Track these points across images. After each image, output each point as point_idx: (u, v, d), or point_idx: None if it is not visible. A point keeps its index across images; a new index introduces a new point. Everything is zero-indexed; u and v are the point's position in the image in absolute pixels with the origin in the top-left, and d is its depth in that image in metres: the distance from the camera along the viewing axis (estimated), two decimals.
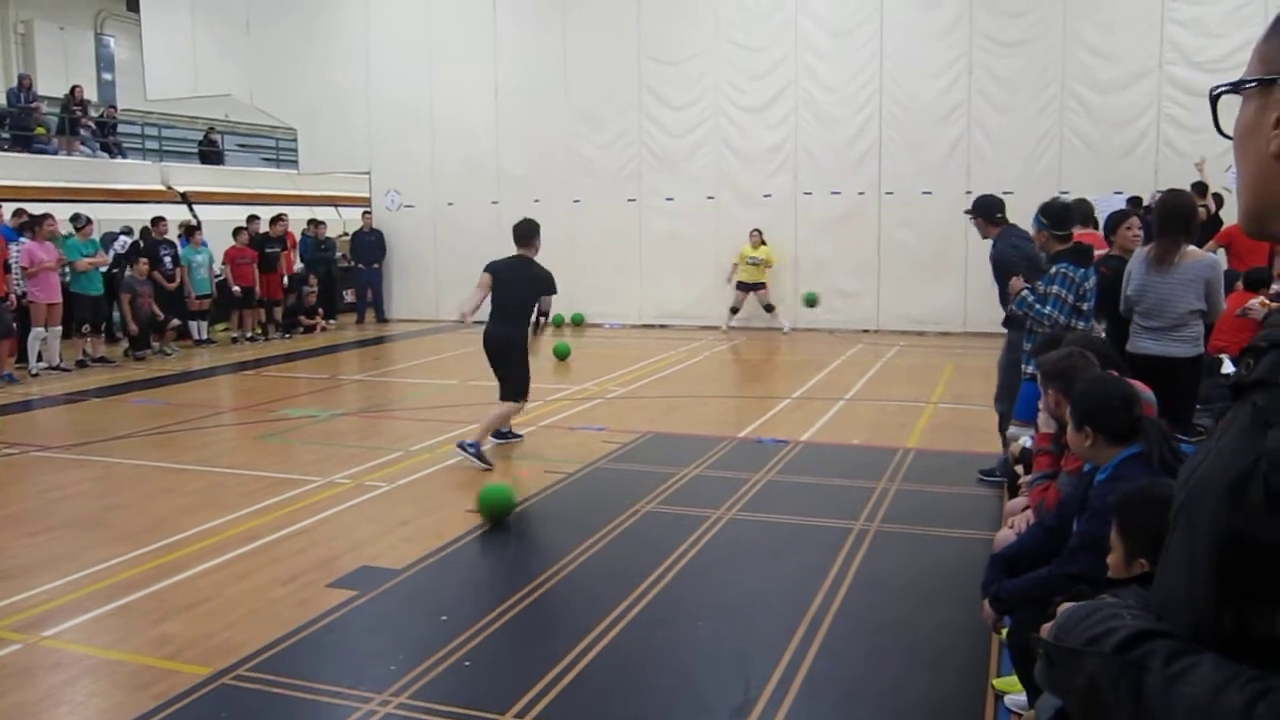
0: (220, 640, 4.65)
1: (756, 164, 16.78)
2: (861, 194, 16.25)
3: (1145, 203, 12.13)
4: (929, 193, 15.65)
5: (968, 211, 8.17)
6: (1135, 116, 15.01)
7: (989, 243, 7.28)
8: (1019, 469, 4.90)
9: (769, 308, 16.19)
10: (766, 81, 16.56)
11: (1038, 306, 5.98)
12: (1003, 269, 6.83)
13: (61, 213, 14.64)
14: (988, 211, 7.35)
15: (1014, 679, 4.04)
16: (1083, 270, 5.90)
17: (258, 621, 4.87)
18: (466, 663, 4.39)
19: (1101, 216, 10.08)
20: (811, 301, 16.26)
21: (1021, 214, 14.90)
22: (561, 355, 13.38)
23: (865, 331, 15.96)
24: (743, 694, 4.06)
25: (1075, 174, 14.88)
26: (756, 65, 16.58)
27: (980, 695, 4.08)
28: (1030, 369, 6.13)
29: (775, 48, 16.45)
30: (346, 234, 19.86)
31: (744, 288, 16.30)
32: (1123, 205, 12.85)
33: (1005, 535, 4.08)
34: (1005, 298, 6.76)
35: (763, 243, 16.17)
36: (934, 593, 5.27)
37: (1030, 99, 15.35)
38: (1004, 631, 4.36)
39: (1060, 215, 6.20)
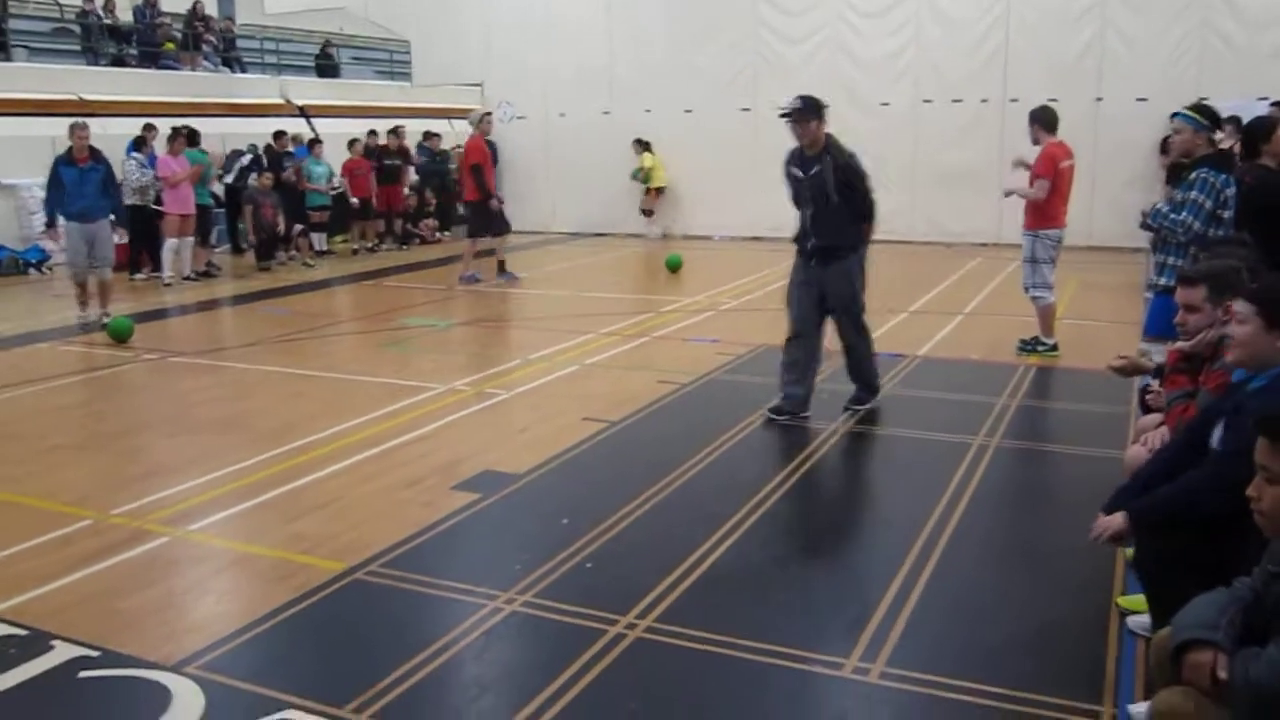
0: (351, 539, 4.85)
1: (875, 71, 16.29)
2: (984, 102, 15.67)
3: None
4: (1055, 100, 14.97)
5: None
6: None
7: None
8: (1154, 383, 4.74)
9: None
10: None
11: (1172, 215, 5.71)
12: (855, 177, 6.67)
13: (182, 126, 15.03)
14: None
15: (1139, 598, 3.96)
16: (1224, 176, 5.60)
17: (386, 522, 5.05)
18: (588, 565, 4.50)
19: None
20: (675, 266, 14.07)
21: (1157, 121, 14.31)
22: (674, 267, 13.36)
23: (984, 245, 15.53)
24: (860, 605, 4.08)
25: (1216, 78, 14.07)
26: None
27: (1104, 614, 4.01)
28: (1163, 280, 5.90)
29: None
30: (460, 146, 19.98)
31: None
32: (1267, 111, 12.19)
33: (1137, 452, 3.97)
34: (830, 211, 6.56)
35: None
36: (1056, 510, 5.19)
37: None
38: (1128, 551, 4.29)
39: (1215, 116, 5.88)
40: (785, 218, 16.96)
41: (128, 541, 4.86)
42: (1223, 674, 2.35)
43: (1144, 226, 6.18)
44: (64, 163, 10.41)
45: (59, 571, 4.52)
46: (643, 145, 17.15)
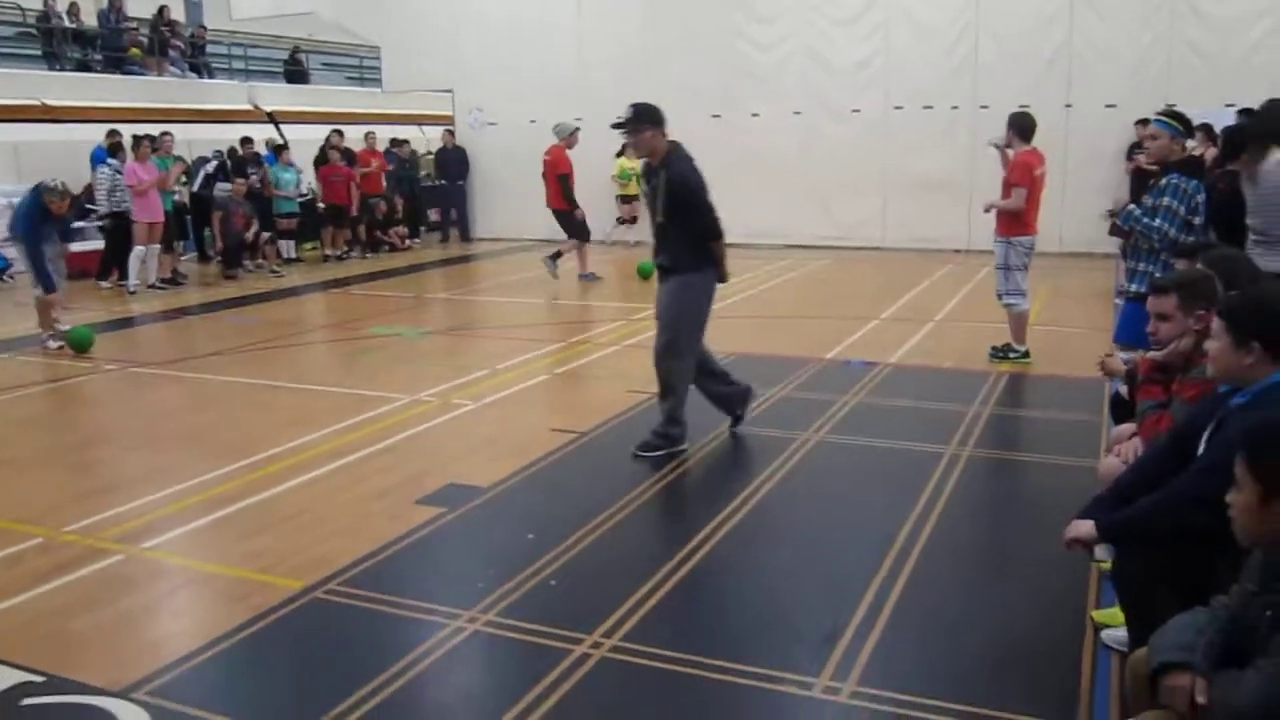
0: (312, 555, 4.72)
1: (846, 78, 16.29)
2: (955, 109, 15.70)
3: None
4: (1027, 106, 15.01)
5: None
6: (1253, 22, 14.15)
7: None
8: (1123, 392, 4.69)
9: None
10: None
11: (1145, 220, 5.70)
12: (685, 194, 5.96)
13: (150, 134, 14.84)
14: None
15: (1114, 612, 3.90)
16: (1195, 182, 5.59)
17: (348, 537, 4.93)
18: (553, 581, 4.39)
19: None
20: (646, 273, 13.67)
21: (1126, 128, 14.37)
22: (646, 274, 13.26)
23: (956, 251, 15.54)
24: (831, 621, 4.00)
25: (1184, 86, 14.13)
26: None
27: (1079, 628, 3.95)
28: (1134, 287, 5.87)
29: None
30: (430, 152, 19.87)
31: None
32: (1234, 119, 12.24)
33: (1112, 464, 3.90)
34: (668, 229, 5.98)
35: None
36: (1029, 521, 5.13)
37: (1137, 6, 14.58)
38: (1102, 562, 4.24)
39: (1189, 122, 5.87)
40: (760, 224, 16.98)
41: (79, 560, 4.72)
42: (1201, 699, 2.28)
43: (1114, 231, 6.15)
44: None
45: (6, 593, 4.38)
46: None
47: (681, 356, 6.17)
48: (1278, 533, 2.29)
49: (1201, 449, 3.09)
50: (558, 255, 13.55)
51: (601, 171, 17.20)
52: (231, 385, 8.30)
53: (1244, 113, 12.42)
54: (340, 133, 16.90)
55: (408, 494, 5.54)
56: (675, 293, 6.13)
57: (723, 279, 6.25)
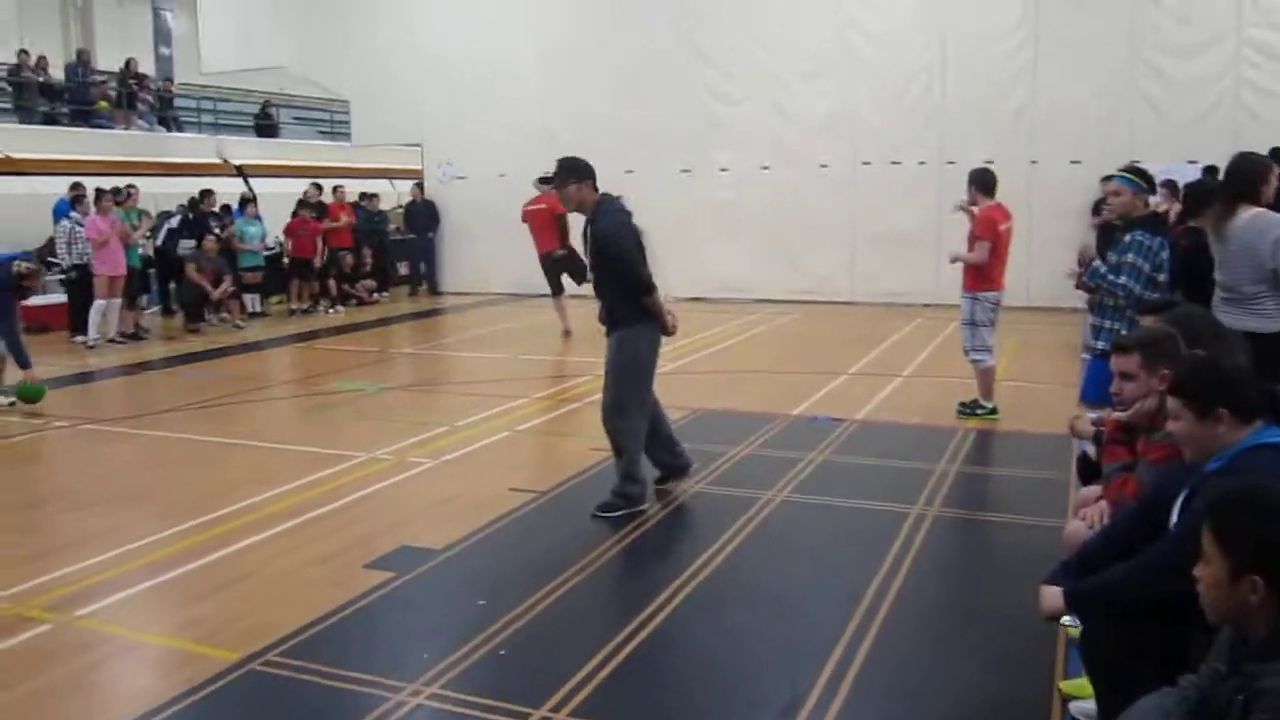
0: (253, 622, 4.53)
1: (813, 133, 16.39)
2: (922, 164, 15.80)
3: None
4: (991, 162, 15.11)
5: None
6: (1212, 81, 14.37)
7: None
8: (1091, 452, 4.59)
9: None
10: (823, 46, 16.17)
11: (1110, 277, 5.65)
12: (608, 248, 5.86)
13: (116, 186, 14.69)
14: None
15: (1082, 683, 3.77)
16: (1159, 239, 5.55)
17: (292, 603, 4.74)
18: (502, 651, 4.21)
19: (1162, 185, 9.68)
20: None
21: (1091, 184, 14.54)
22: None
23: (924, 305, 15.54)
24: (791, 692, 3.84)
25: (1148, 142, 14.27)
26: (812, 28, 16.21)
27: (1046, 696, 3.82)
28: (1101, 344, 5.80)
29: (831, 13, 16.08)
30: (400, 206, 19.81)
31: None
32: (1198, 175, 12.36)
33: (1077, 528, 3.79)
34: (600, 284, 5.93)
35: None
36: (996, 584, 5.00)
37: (1100, 64, 14.78)
38: (1069, 628, 4.11)
39: (1150, 178, 5.86)
40: (728, 278, 16.96)
41: (4, 631, 4.49)
42: None
43: (1079, 286, 6.11)
44: None
45: None
46: None
47: (625, 414, 6.03)
48: (1247, 609, 2.16)
49: (1175, 517, 2.98)
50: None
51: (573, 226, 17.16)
52: (186, 442, 8.09)
53: (1207, 170, 12.61)
54: (319, 186, 16.82)
55: (357, 557, 5.35)
56: (614, 349, 6.02)
57: (667, 332, 6.06)
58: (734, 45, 16.64)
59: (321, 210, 16.55)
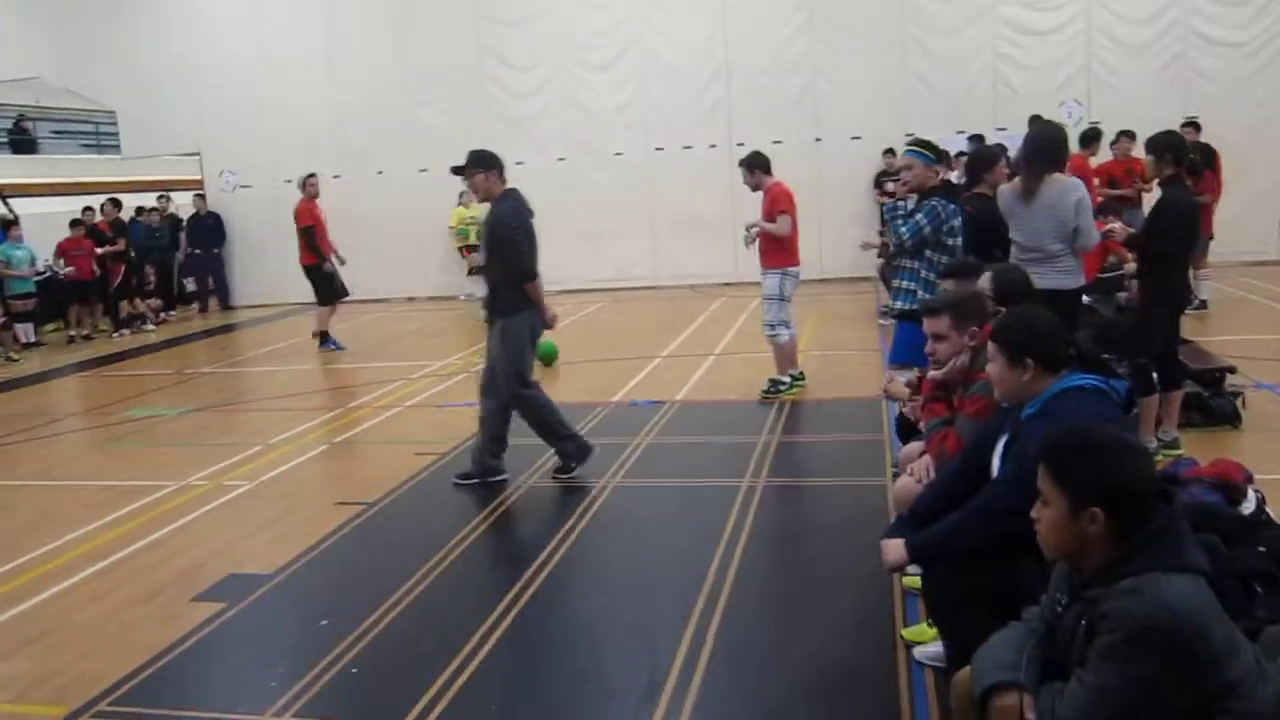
0: (74, 674, 4.22)
1: (606, 122, 16.53)
2: (713, 147, 16.18)
3: (987, 141, 12.34)
4: (780, 141, 15.65)
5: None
6: (972, 57, 15.34)
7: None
8: (907, 410, 4.83)
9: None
10: (611, 38, 16.33)
11: (897, 223, 6.04)
12: (499, 231, 6.27)
13: None
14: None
15: (922, 628, 3.99)
16: (952, 206, 5.90)
17: (116, 648, 4.45)
18: (354, 669, 4.08)
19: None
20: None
21: (870, 155, 15.32)
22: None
23: (726, 285, 15.95)
24: (649, 674, 3.88)
25: (919, 116, 15.09)
26: (600, 22, 16.33)
27: (890, 647, 4.00)
28: (900, 304, 6.10)
29: (618, 5, 16.25)
30: (181, 219, 18.75)
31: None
32: (964, 145, 13.16)
33: (906, 483, 3.99)
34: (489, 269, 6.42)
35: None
36: (830, 545, 5.20)
37: (872, 43, 15.52)
38: (908, 578, 4.32)
39: (939, 150, 6.22)
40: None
41: None
42: (1030, 715, 2.29)
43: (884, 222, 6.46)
44: None
45: None
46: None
47: (495, 396, 6.39)
48: (1085, 541, 2.32)
49: (997, 462, 3.18)
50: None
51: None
52: None
53: (973, 138, 13.45)
54: (92, 209, 15.75)
55: (182, 592, 5.08)
56: (496, 337, 6.36)
57: (547, 324, 6.49)
58: (528, 43, 16.61)
59: (96, 231, 15.50)
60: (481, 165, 6.31)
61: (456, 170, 6.45)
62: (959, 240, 5.90)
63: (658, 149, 16.45)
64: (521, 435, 6.75)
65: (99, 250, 15.42)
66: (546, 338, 7.17)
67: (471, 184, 6.43)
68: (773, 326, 8.31)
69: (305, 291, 17.05)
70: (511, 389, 6.34)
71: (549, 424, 6.49)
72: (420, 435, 7.90)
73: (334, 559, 5.45)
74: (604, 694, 3.82)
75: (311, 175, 12.87)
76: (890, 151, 15.31)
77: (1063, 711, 2.23)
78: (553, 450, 6.62)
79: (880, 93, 15.58)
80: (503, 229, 6.21)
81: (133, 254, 16.31)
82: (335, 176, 17.02)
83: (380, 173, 17.06)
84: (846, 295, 14.11)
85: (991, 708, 2.36)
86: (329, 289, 12.78)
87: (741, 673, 3.92)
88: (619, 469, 6.66)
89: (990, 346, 3.23)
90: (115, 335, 15.45)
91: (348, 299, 13.32)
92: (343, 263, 12.94)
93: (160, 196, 17.91)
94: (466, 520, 5.81)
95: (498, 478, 6.52)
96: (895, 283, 6.31)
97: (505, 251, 6.21)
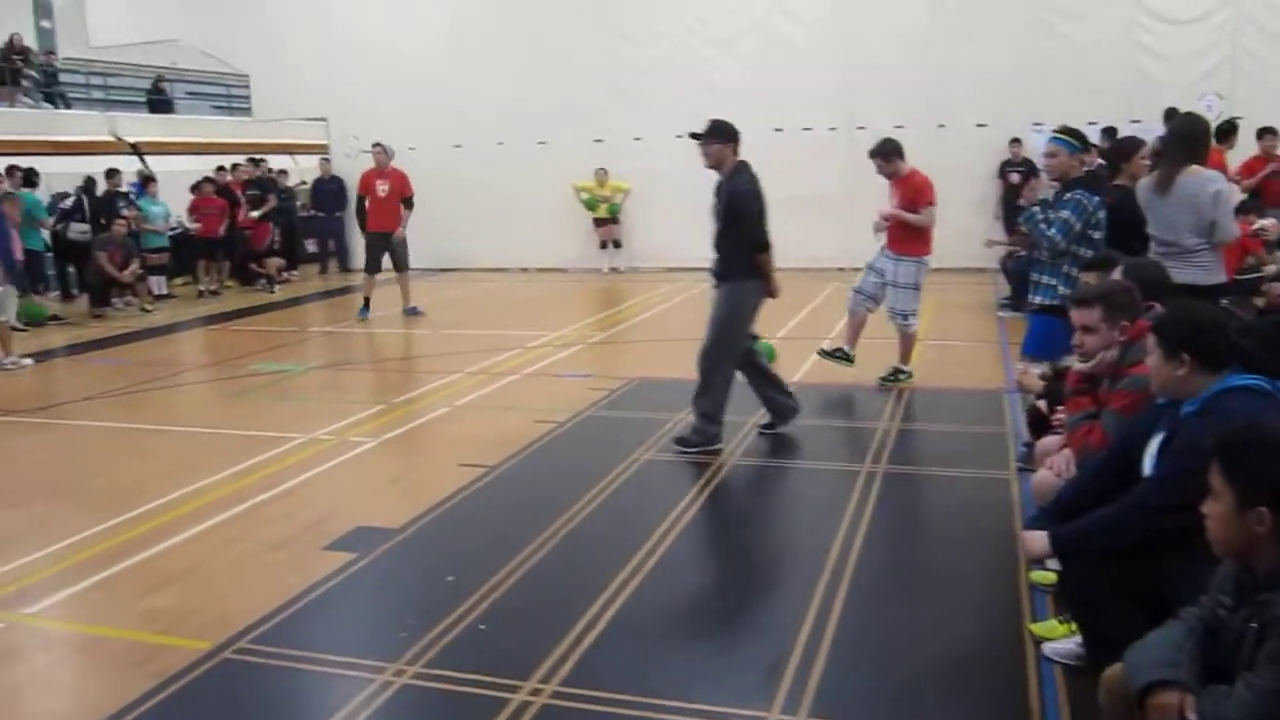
0: (215, 612, 4.41)
1: (728, 101, 16.42)
2: (833, 130, 15.98)
3: (1119, 134, 11.92)
4: (901, 127, 15.37)
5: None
6: (1106, 45, 14.82)
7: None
8: (1042, 405, 4.73)
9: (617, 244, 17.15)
10: (735, 16, 16.24)
11: (1042, 227, 5.83)
12: (739, 205, 6.50)
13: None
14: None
15: (1051, 624, 3.91)
16: (1096, 198, 5.72)
17: (253, 590, 4.62)
18: (481, 626, 4.18)
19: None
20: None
21: (995, 143, 14.93)
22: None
23: (839, 270, 15.76)
24: (774, 653, 3.88)
25: (1049, 104, 14.65)
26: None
27: (1017, 641, 3.93)
28: (1038, 299, 5.97)
29: None
30: (305, 182, 19.28)
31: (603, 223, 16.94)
32: (1096, 137, 12.73)
33: (1045, 477, 3.91)
34: (722, 238, 6.57)
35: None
36: (953, 535, 5.13)
37: (1001, 27, 15.12)
38: (1037, 574, 4.25)
39: (1085, 139, 6.04)
40: (643, 247, 16.92)
41: None
42: (1192, 716, 2.24)
43: (1012, 231, 6.28)
44: None
45: None
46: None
47: (722, 357, 6.56)
48: (1253, 541, 2.26)
49: (1151, 459, 3.10)
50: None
51: (480, 197, 17.00)
52: (105, 431, 7.80)
53: (1106, 131, 13.01)
54: (223, 168, 16.31)
55: (313, 540, 5.25)
56: (725, 297, 6.61)
57: (772, 294, 6.74)
58: (649, 17, 16.61)
59: (226, 190, 16.03)
60: (721, 136, 6.52)
61: (695, 135, 6.58)
62: (1103, 234, 5.72)
63: (777, 130, 16.30)
64: (634, 409, 6.79)
65: (254, 214, 15.98)
66: (765, 339, 7.34)
67: (706, 150, 6.57)
68: (905, 316, 8.16)
69: (421, 258, 17.55)
70: (717, 344, 6.53)
71: (721, 393, 6.59)
72: (538, 403, 7.99)
73: (458, 518, 5.57)
74: (729, 667, 3.84)
75: (376, 144, 13.09)
76: (1017, 141, 14.92)
77: (1229, 715, 2.18)
78: (659, 429, 6.61)
79: (1008, 79, 15.14)
80: (741, 200, 6.44)
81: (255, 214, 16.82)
82: (456, 146, 17.31)
83: (501, 144, 17.25)
84: (963, 286, 13.81)
85: (1150, 706, 2.31)
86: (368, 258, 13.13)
87: (865, 656, 3.90)
88: (736, 446, 6.66)
89: (1149, 338, 3.16)
90: (274, 288, 16.01)
91: (456, 269, 13.54)
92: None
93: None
94: (587, 488, 5.87)
95: (713, 446, 6.56)
96: (1034, 277, 6.11)
97: (742, 222, 6.46)
